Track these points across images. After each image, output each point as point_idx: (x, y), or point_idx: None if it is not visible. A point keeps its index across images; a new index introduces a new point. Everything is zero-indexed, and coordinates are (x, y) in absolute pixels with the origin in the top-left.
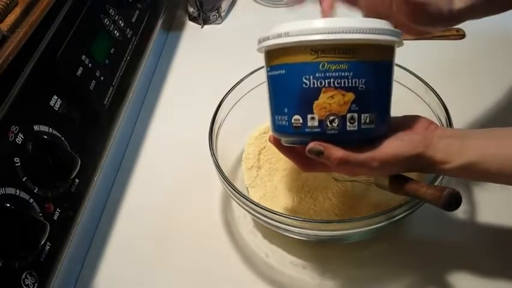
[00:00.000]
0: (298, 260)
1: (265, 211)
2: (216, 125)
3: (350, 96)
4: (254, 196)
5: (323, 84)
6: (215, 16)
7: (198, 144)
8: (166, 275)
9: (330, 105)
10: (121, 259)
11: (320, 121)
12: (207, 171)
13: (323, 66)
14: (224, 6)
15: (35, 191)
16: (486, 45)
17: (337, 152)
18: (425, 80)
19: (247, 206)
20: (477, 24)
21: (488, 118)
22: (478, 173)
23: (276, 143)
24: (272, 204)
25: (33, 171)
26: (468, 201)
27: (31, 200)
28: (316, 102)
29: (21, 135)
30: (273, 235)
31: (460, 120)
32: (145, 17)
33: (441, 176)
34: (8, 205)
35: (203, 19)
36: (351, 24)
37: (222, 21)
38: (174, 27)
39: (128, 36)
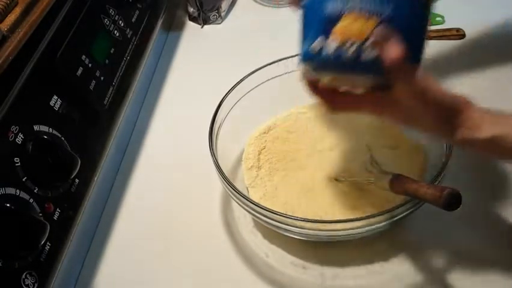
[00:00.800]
0: (299, 260)
1: (265, 211)
2: (216, 125)
3: (373, 22)
4: (254, 196)
5: (346, 8)
6: (215, 16)
7: (198, 144)
8: (166, 275)
9: (351, 30)
10: (121, 259)
11: (339, 45)
12: (207, 171)
13: None
14: (224, 6)
15: (35, 191)
16: (486, 45)
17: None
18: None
19: (247, 206)
20: (477, 24)
21: None
22: (504, 148)
23: (309, 83)
24: (272, 204)
25: (33, 171)
26: (468, 201)
27: (31, 200)
28: (337, 26)
29: (21, 135)
30: (273, 235)
31: None
32: (145, 17)
33: (441, 176)
34: (8, 205)
35: (203, 19)
36: None
37: (222, 21)
38: (174, 27)
39: (128, 36)
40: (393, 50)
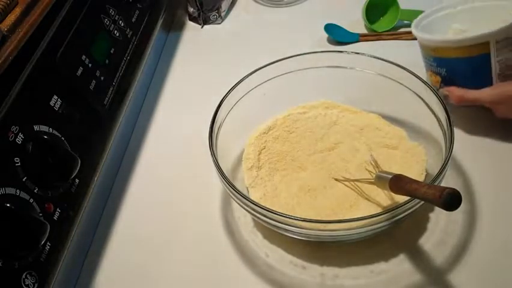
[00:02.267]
0: (298, 260)
1: (265, 211)
2: (216, 125)
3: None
4: (254, 196)
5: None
6: (215, 16)
7: (198, 144)
8: (166, 275)
9: (431, 81)
10: (120, 259)
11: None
12: (207, 171)
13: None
14: (224, 6)
15: (35, 191)
16: None
17: (456, 92)
18: (425, 80)
19: (247, 206)
20: None
21: (488, 117)
22: None
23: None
24: (272, 204)
25: (33, 171)
26: (468, 201)
27: (31, 200)
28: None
29: (21, 135)
30: (273, 235)
31: (459, 120)
32: (145, 17)
33: (441, 176)
34: (8, 205)
35: (203, 19)
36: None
37: (222, 21)
38: (174, 27)
39: (128, 36)
40: (455, 92)
